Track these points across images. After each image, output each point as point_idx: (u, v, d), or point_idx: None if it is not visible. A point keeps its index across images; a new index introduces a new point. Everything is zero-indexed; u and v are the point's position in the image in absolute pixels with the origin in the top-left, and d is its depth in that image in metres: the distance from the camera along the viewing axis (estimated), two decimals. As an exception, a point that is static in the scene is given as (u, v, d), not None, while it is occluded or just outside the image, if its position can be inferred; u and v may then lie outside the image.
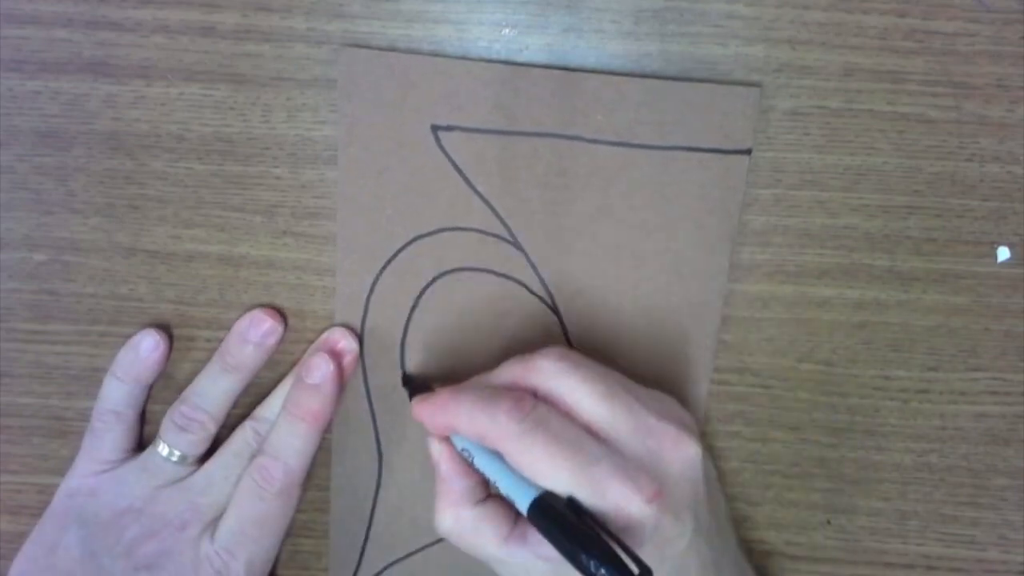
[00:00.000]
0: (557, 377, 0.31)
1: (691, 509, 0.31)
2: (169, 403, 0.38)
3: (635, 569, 0.27)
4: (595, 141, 0.36)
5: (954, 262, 0.37)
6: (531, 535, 0.31)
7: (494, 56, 0.36)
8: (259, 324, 0.38)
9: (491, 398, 0.31)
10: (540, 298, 0.38)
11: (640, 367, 0.38)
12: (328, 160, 0.37)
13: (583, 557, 0.27)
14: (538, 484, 0.30)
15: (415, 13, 0.35)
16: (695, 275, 0.37)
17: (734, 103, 0.35)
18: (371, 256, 0.38)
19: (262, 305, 0.39)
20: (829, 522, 0.41)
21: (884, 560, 0.41)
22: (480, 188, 0.36)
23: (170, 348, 0.39)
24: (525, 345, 0.38)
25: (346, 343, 0.38)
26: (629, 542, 0.29)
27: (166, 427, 0.38)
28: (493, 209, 0.37)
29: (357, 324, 0.38)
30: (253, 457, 0.37)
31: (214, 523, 0.37)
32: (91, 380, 0.40)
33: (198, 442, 0.38)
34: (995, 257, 0.37)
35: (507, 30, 0.36)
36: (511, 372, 0.32)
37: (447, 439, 0.33)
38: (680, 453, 0.32)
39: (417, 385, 0.38)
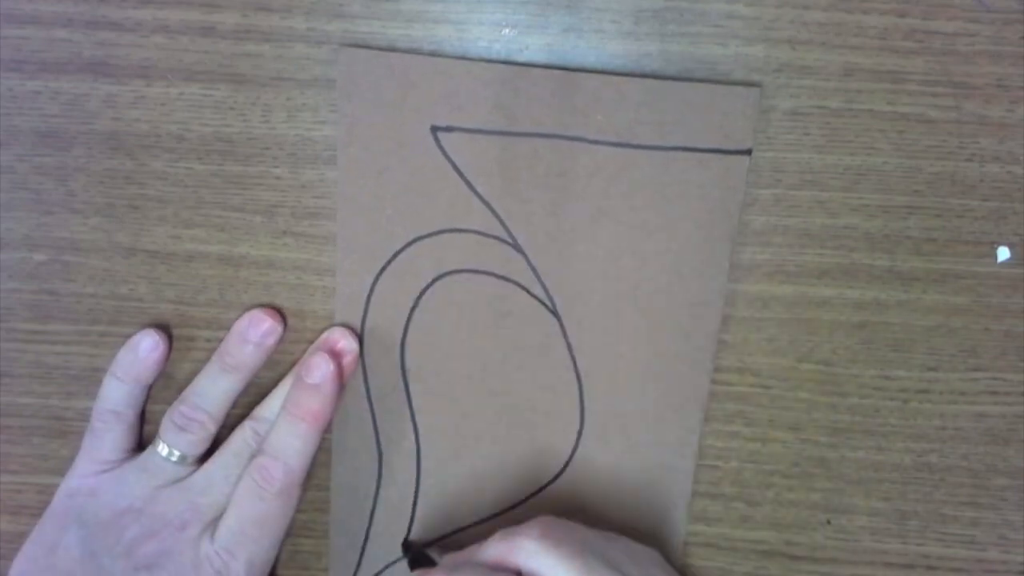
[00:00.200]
0: (537, 556, 0.32)
1: None
2: (169, 403, 0.38)
3: None
4: (596, 142, 0.36)
5: (954, 262, 0.37)
6: None
7: (494, 56, 0.36)
8: (259, 324, 0.38)
9: None
10: (540, 300, 0.38)
11: (640, 368, 0.38)
12: (328, 160, 0.37)
13: None
14: None
15: (415, 13, 0.35)
16: (695, 275, 0.37)
17: (734, 103, 0.35)
18: (371, 256, 0.37)
19: (262, 305, 0.39)
20: (829, 522, 0.41)
21: (884, 560, 0.41)
22: (480, 189, 0.36)
23: (170, 348, 0.39)
24: (524, 348, 0.38)
25: (346, 343, 0.38)
26: None
27: (166, 427, 0.38)
28: (493, 211, 0.37)
29: (357, 324, 0.38)
30: (253, 457, 0.37)
31: (214, 523, 0.37)
32: (91, 380, 0.40)
33: (198, 442, 0.38)
34: (995, 257, 0.37)
35: (507, 30, 0.36)
36: (497, 550, 0.33)
37: None
38: None
39: (416, 555, 0.39)
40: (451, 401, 0.39)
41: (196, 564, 0.36)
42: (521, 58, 0.36)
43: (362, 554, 0.41)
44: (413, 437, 0.39)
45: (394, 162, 0.36)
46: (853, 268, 0.38)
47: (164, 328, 0.39)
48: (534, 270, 0.37)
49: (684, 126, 0.35)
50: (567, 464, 0.40)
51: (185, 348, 0.40)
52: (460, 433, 0.39)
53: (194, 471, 0.38)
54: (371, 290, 0.38)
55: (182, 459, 0.38)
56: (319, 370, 0.37)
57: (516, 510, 0.40)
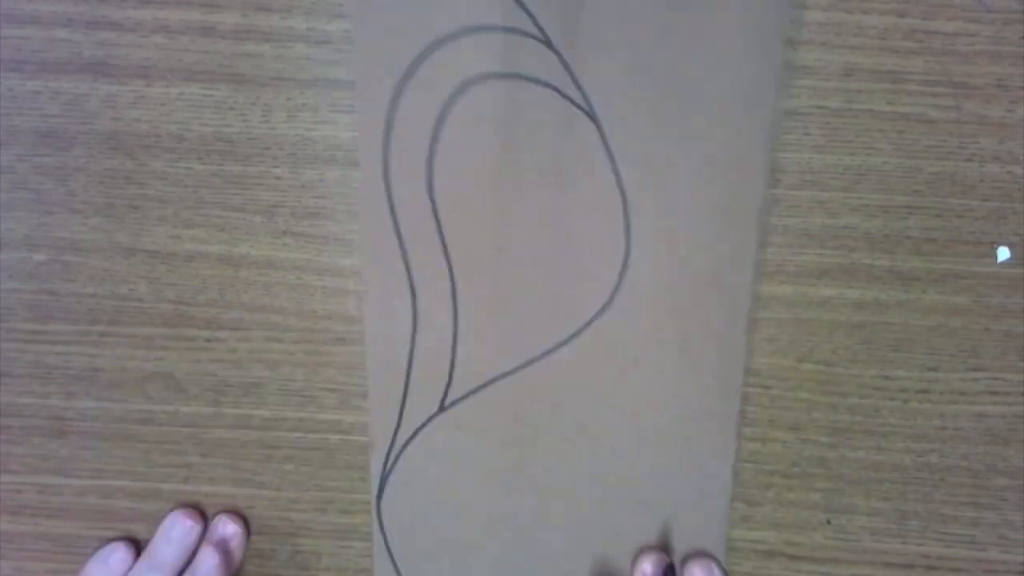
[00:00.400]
0: None
1: None
2: (170, 403, 0.38)
3: None
4: None
5: (954, 262, 0.37)
6: None
7: None
8: (180, 523, 0.40)
9: None
10: (576, 104, 0.34)
11: (690, 175, 0.34)
12: (328, 160, 0.37)
13: None
14: None
15: None
16: (747, 59, 0.33)
17: None
18: (390, 65, 0.34)
19: (264, 309, 0.39)
20: (829, 522, 0.41)
21: (884, 560, 0.41)
22: None
23: (136, 557, 0.40)
24: (562, 162, 0.35)
25: (232, 528, 0.40)
26: None
27: None
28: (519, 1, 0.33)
29: (379, 148, 0.35)
30: None
31: None
32: (91, 380, 0.40)
33: None
34: (995, 257, 0.37)
35: None
36: None
37: None
38: None
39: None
40: (485, 230, 0.36)
41: None
42: None
43: (402, 409, 0.39)
44: (448, 274, 0.37)
45: None
46: (853, 268, 0.38)
47: (163, 328, 0.39)
48: (567, 68, 0.34)
49: None
50: (614, 293, 0.37)
51: (185, 348, 0.40)
52: (497, 266, 0.36)
53: None
54: (392, 105, 0.35)
55: None
56: (205, 564, 0.39)
57: (560, 351, 0.38)
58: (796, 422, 0.40)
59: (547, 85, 0.34)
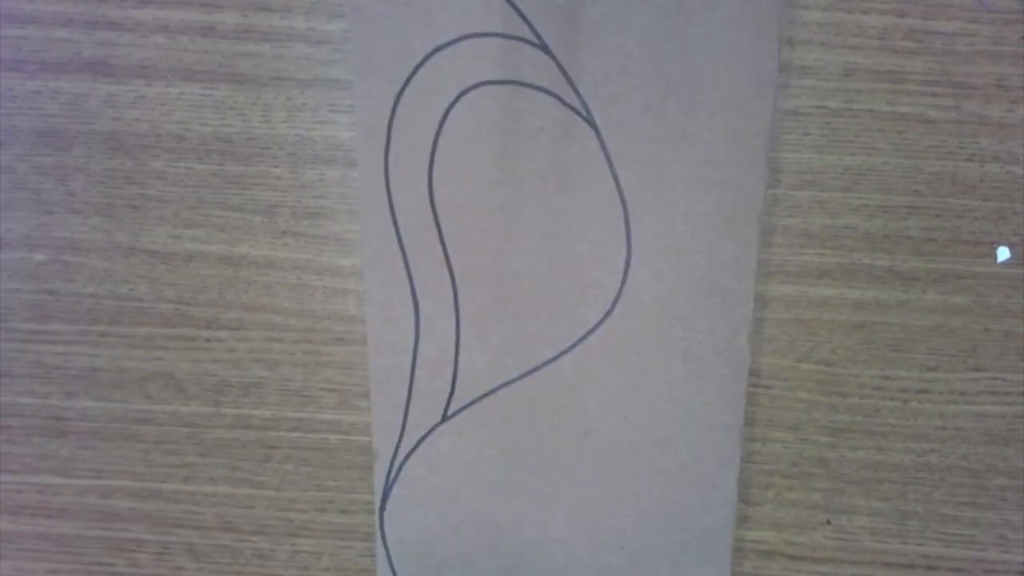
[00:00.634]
0: None
1: None
2: (170, 403, 0.38)
3: None
4: None
5: (954, 262, 0.37)
6: None
7: None
8: None
9: None
10: (574, 109, 0.34)
11: (689, 178, 0.35)
12: (328, 160, 0.37)
13: None
14: None
15: None
16: (743, 61, 0.34)
17: None
18: (389, 74, 0.35)
19: (264, 309, 0.39)
20: (829, 522, 0.41)
21: (884, 560, 0.41)
22: None
23: None
24: (561, 168, 0.35)
25: None
26: None
27: None
28: (515, 6, 0.33)
29: (380, 157, 0.36)
30: None
31: None
32: (91, 380, 0.40)
33: None
34: (995, 257, 0.37)
35: None
36: None
37: None
38: None
39: None
40: (486, 238, 0.36)
41: None
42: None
43: (405, 417, 0.39)
44: (449, 281, 0.37)
45: None
46: (853, 268, 0.38)
47: (163, 326, 0.39)
48: (565, 73, 0.34)
49: None
50: (616, 300, 0.37)
51: (185, 348, 0.40)
52: (498, 274, 0.37)
53: None
54: (392, 114, 0.35)
55: None
56: None
57: (563, 358, 0.38)
58: (796, 422, 0.40)
59: (546, 91, 0.34)
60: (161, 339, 0.40)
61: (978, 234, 0.37)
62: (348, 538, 0.42)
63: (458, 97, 0.35)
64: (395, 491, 0.40)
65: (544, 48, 0.34)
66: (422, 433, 0.39)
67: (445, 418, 0.39)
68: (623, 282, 0.37)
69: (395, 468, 0.39)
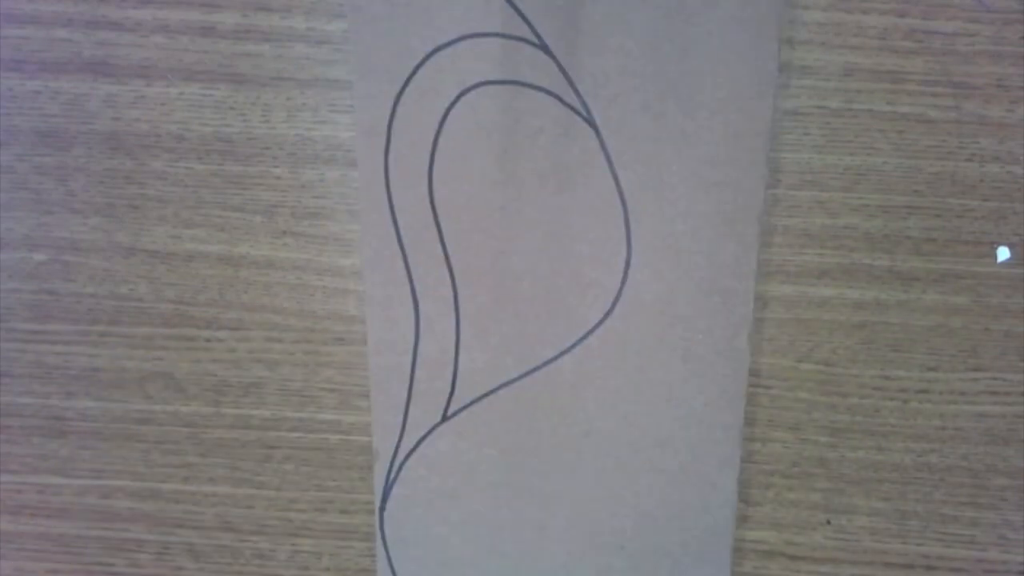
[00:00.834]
0: None
1: None
2: (170, 403, 0.38)
3: None
4: None
5: (954, 262, 0.37)
6: None
7: None
8: None
9: None
10: (574, 109, 0.34)
11: (689, 177, 0.35)
12: (328, 160, 0.37)
13: None
14: None
15: None
16: (743, 61, 0.34)
17: None
18: (388, 74, 0.35)
19: (264, 309, 0.39)
20: (829, 522, 0.41)
21: (884, 560, 0.41)
22: None
23: None
24: (561, 168, 0.35)
25: None
26: None
27: None
28: (514, 6, 0.33)
29: (380, 157, 0.36)
30: None
31: None
32: (91, 380, 0.40)
33: None
34: (995, 257, 0.37)
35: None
36: None
37: None
38: None
39: None
40: (486, 238, 0.36)
41: None
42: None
43: (405, 417, 0.39)
44: (449, 281, 0.37)
45: None
46: (853, 268, 0.38)
47: (163, 327, 0.39)
48: (565, 73, 0.34)
49: None
50: (616, 300, 0.37)
51: (185, 348, 0.40)
52: (498, 273, 0.37)
53: None
54: (392, 114, 0.35)
55: None
56: None
57: (563, 358, 0.38)
58: (796, 422, 0.40)
59: (546, 91, 0.34)
60: (161, 339, 0.40)
61: (978, 234, 0.37)
62: (348, 538, 0.42)
63: (458, 97, 0.35)
64: (395, 491, 0.40)
65: (544, 48, 0.34)
66: (422, 433, 0.39)
67: (445, 418, 0.39)
68: (623, 282, 0.37)
69: (395, 468, 0.39)
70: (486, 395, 0.38)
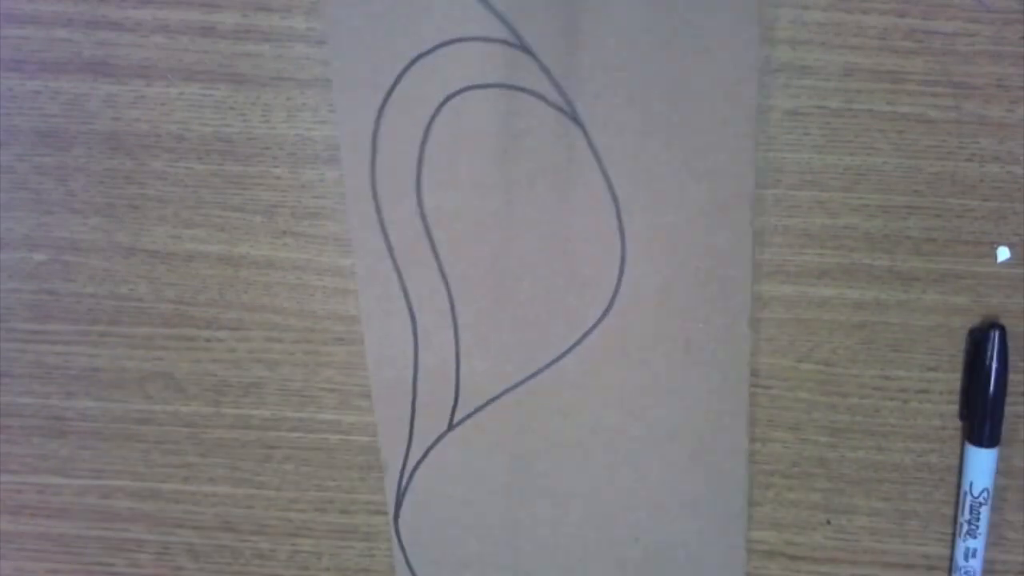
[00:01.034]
0: None
1: None
2: (170, 403, 0.38)
3: None
4: None
5: (954, 262, 0.37)
6: None
7: None
8: None
9: None
10: (558, 108, 0.34)
11: (678, 168, 0.34)
12: (328, 160, 0.37)
13: None
14: None
15: None
16: (725, 48, 0.33)
17: None
18: (370, 86, 0.34)
19: (264, 309, 0.39)
20: (829, 522, 0.41)
21: (884, 560, 0.41)
22: None
23: None
24: (550, 168, 0.35)
25: None
26: None
27: None
28: (491, 8, 0.33)
29: (366, 171, 0.35)
30: None
31: None
32: (91, 380, 0.40)
33: None
34: (995, 257, 0.37)
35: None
36: None
37: None
38: None
39: None
40: (479, 244, 0.36)
41: None
42: None
43: (411, 428, 0.39)
44: (445, 292, 0.37)
45: None
46: (853, 268, 0.38)
47: (163, 327, 0.39)
48: (547, 72, 0.33)
49: None
50: (614, 297, 0.37)
51: (185, 348, 0.40)
52: (494, 279, 0.36)
53: None
54: (376, 126, 0.35)
55: None
56: None
57: (565, 359, 0.38)
58: (796, 422, 0.40)
59: (529, 92, 0.34)
60: (161, 339, 0.40)
61: (978, 234, 0.37)
62: (348, 538, 0.42)
63: (442, 104, 0.34)
64: (408, 498, 0.40)
65: (525, 49, 0.33)
66: (429, 443, 0.39)
67: (451, 427, 0.39)
68: (620, 277, 0.36)
69: (405, 477, 0.39)
70: (490, 401, 0.38)
